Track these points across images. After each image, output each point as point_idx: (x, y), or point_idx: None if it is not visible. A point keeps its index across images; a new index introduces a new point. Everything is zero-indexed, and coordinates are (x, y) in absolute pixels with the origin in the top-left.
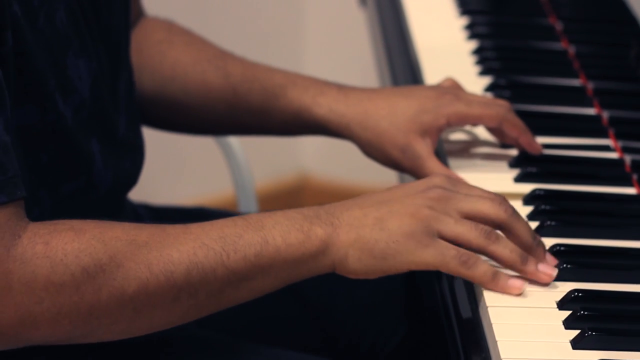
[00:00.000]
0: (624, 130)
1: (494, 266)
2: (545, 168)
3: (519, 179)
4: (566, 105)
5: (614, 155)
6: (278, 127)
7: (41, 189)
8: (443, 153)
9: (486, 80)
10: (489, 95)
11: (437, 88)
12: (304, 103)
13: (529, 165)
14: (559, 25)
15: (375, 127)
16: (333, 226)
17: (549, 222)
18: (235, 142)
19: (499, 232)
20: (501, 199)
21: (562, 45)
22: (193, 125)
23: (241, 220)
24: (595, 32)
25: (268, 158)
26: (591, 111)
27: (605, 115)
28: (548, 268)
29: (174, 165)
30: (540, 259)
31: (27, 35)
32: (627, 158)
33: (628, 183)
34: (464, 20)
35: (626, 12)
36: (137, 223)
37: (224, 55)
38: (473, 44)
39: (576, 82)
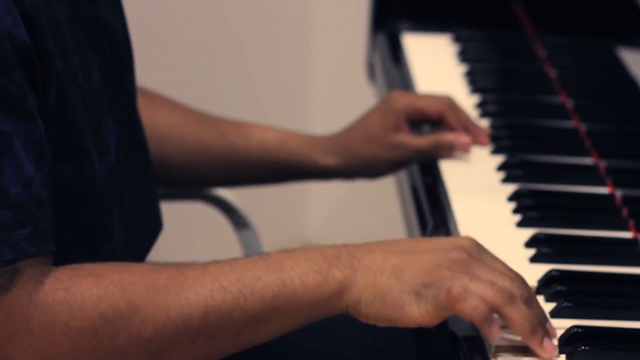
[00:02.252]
0: (637, 209)
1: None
2: (559, 248)
3: (534, 260)
4: (578, 184)
5: (628, 234)
6: (276, 178)
7: (76, 249)
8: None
9: (498, 159)
10: (501, 173)
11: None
12: (303, 153)
13: (543, 246)
14: (569, 103)
15: (365, 151)
16: (352, 268)
17: (565, 304)
18: (243, 212)
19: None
20: (521, 280)
21: (572, 123)
22: (188, 181)
23: (261, 261)
24: (605, 110)
25: (274, 228)
26: (604, 190)
27: (618, 194)
28: (551, 346)
29: (182, 234)
30: (546, 334)
31: (68, 92)
32: None
33: None
34: (474, 99)
35: (636, 89)
36: (156, 265)
37: (210, 117)
38: (485, 123)
39: (588, 161)
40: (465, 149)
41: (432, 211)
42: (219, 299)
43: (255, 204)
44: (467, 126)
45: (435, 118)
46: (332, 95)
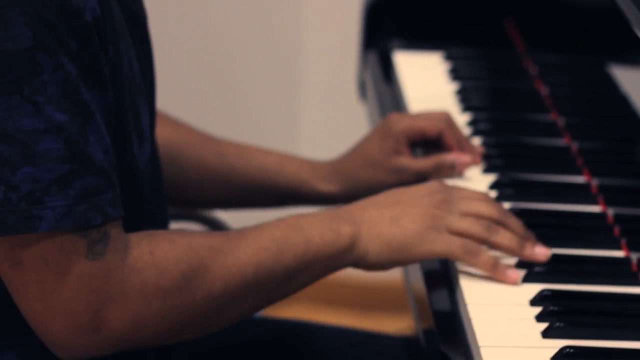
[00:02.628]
0: (629, 228)
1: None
2: (551, 267)
3: (526, 279)
4: (570, 203)
5: (620, 253)
6: (275, 203)
7: None
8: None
9: (490, 178)
10: (492, 192)
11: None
12: (302, 178)
13: (535, 265)
14: (560, 121)
15: (365, 177)
16: (356, 224)
17: (558, 324)
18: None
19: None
20: (491, 198)
21: (564, 141)
22: (187, 201)
23: (283, 223)
24: (597, 128)
25: None
26: (596, 208)
27: (610, 212)
28: (543, 249)
29: None
30: (533, 245)
31: (117, 75)
32: (634, 256)
33: (635, 281)
34: (466, 117)
35: (628, 107)
36: (202, 232)
37: (212, 139)
38: (476, 141)
39: (580, 179)
40: (467, 167)
41: None
42: (263, 257)
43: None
44: (462, 144)
45: (434, 137)
46: (324, 114)
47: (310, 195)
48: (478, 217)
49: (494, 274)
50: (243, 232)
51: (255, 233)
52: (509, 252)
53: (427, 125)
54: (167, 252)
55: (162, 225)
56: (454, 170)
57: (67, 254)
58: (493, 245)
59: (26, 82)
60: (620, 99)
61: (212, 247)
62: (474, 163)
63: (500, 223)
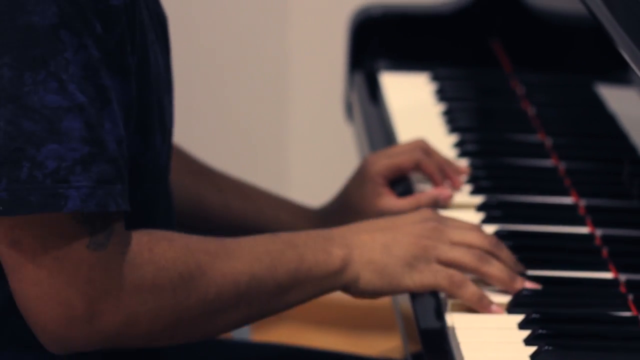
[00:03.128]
0: (618, 249)
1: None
2: (540, 289)
3: (514, 302)
4: (558, 224)
5: (608, 275)
6: None
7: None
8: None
9: (477, 200)
10: (480, 214)
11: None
12: (296, 227)
13: (524, 289)
14: (548, 141)
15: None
16: (348, 248)
17: (546, 347)
18: None
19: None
20: (481, 230)
21: (552, 162)
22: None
23: (277, 238)
24: (585, 148)
25: None
26: (584, 230)
27: (598, 233)
28: (533, 284)
29: None
30: (522, 280)
31: (144, 66)
32: (623, 278)
33: (624, 304)
34: (453, 138)
35: (616, 127)
36: (199, 236)
37: (212, 171)
38: (463, 163)
39: (567, 200)
40: (449, 199)
41: None
42: (257, 268)
43: None
44: (442, 168)
45: (412, 169)
46: (310, 135)
47: None
48: (470, 247)
49: (478, 308)
50: (239, 241)
51: (250, 244)
52: (499, 283)
53: (403, 159)
54: (166, 251)
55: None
56: (438, 205)
57: (67, 239)
58: (484, 275)
59: (51, 57)
60: (608, 119)
61: (209, 252)
62: (459, 184)
63: (491, 254)
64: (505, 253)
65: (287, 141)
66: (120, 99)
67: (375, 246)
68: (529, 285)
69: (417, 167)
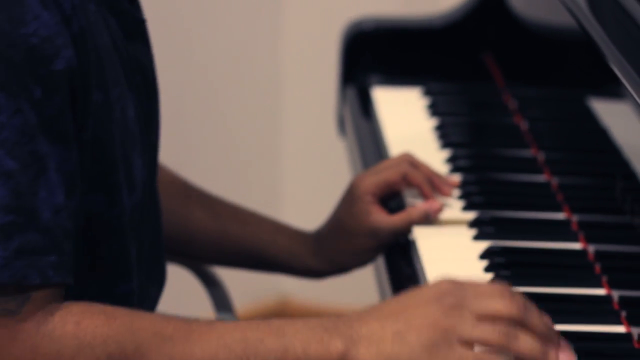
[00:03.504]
0: (610, 265)
1: None
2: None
3: None
4: (551, 240)
5: (601, 291)
6: (264, 269)
7: (94, 284)
8: None
9: (470, 216)
10: (473, 230)
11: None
12: (293, 252)
13: None
14: (540, 156)
15: (346, 246)
16: (352, 340)
17: None
18: (211, 270)
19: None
20: (509, 291)
21: (544, 177)
22: (177, 252)
23: (263, 324)
24: (577, 163)
25: (248, 283)
26: (577, 246)
27: (591, 249)
28: (567, 356)
29: None
30: (557, 346)
31: (106, 124)
32: (615, 294)
33: (617, 320)
34: (445, 153)
35: (608, 141)
36: (164, 315)
37: (209, 197)
38: (456, 178)
39: (560, 216)
40: (439, 212)
41: (403, 269)
42: (222, 357)
43: None
44: (431, 179)
45: (400, 183)
46: (303, 149)
47: (300, 269)
48: (495, 318)
49: None
50: (212, 324)
51: (224, 328)
52: (531, 358)
53: (389, 174)
54: (98, 327)
55: (157, 275)
56: (429, 220)
57: None
58: (513, 352)
59: None
60: (601, 133)
61: (160, 333)
62: (444, 195)
63: (520, 322)
64: (536, 318)
65: (280, 155)
66: (61, 166)
67: (386, 335)
68: (563, 357)
69: (405, 180)
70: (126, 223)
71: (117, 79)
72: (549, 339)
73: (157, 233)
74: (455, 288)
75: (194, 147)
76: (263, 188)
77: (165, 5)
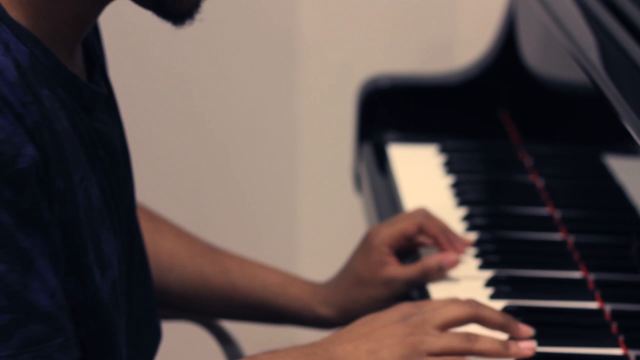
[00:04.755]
0: (627, 324)
1: None
2: None
3: None
4: (567, 300)
5: (618, 351)
6: (274, 321)
7: None
8: None
9: (486, 274)
10: (489, 289)
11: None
12: (303, 302)
13: None
14: (557, 214)
15: (358, 296)
16: None
17: None
18: (228, 328)
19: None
20: (459, 299)
21: (560, 235)
22: (186, 308)
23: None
24: (593, 221)
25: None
26: (593, 305)
27: (608, 308)
28: (528, 343)
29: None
30: (517, 331)
31: (70, 209)
32: (632, 354)
33: None
34: (461, 212)
35: (624, 199)
36: None
37: (216, 250)
38: (471, 237)
39: (577, 275)
40: (454, 266)
41: None
42: None
43: None
44: (446, 233)
45: (416, 233)
46: (320, 206)
47: (310, 319)
48: (455, 323)
49: None
50: None
51: None
52: (495, 355)
53: (405, 225)
54: None
55: (149, 339)
56: (443, 272)
57: None
58: (477, 354)
59: None
60: (617, 191)
61: None
62: (462, 249)
63: (477, 318)
64: (490, 310)
65: (296, 212)
66: (45, 252)
67: (361, 354)
68: (524, 344)
69: (420, 230)
70: (104, 302)
71: (78, 161)
72: (507, 327)
73: (148, 298)
74: (415, 307)
75: (209, 202)
76: (279, 245)
77: (180, 61)
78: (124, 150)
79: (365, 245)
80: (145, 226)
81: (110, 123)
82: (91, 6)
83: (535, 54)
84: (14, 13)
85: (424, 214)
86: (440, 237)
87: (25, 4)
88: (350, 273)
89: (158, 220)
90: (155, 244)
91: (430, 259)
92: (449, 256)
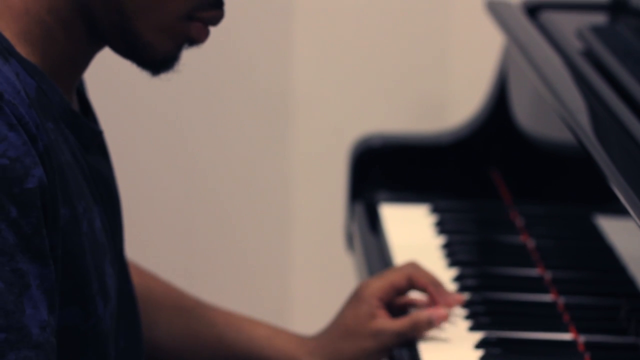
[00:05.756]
0: None
1: None
2: None
3: None
4: None
5: None
6: None
7: None
8: None
9: (477, 336)
10: (479, 351)
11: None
12: (290, 354)
13: None
14: (547, 275)
15: (347, 347)
16: None
17: None
18: None
19: None
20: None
21: (551, 297)
22: None
23: None
24: (584, 283)
25: None
26: None
27: None
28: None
29: None
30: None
31: (75, 238)
32: None
33: None
34: (452, 272)
35: (614, 259)
36: None
37: (203, 305)
38: (462, 297)
39: (567, 337)
40: (444, 320)
41: None
42: None
43: None
44: (435, 284)
45: (405, 285)
46: (312, 264)
47: None
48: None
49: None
50: None
51: None
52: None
53: (394, 277)
54: None
55: None
56: (433, 326)
57: None
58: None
59: None
60: (607, 251)
61: None
62: (453, 303)
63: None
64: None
65: (289, 270)
66: (42, 284)
67: None
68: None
69: (410, 284)
70: (104, 333)
71: (81, 193)
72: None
73: (137, 340)
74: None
75: (202, 258)
76: (272, 302)
77: (175, 120)
78: (117, 194)
79: (355, 298)
80: (135, 280)
81: (104, 164)
82: (82, 48)
83: (527, 114)
84: (18, 48)
85: (413, 266)
86: (430, 287)
87: (24, 41)
88: (339, 325)
89: (146, 276)
90: (144, 300)
91: (420, 312)
92: (439, 310)
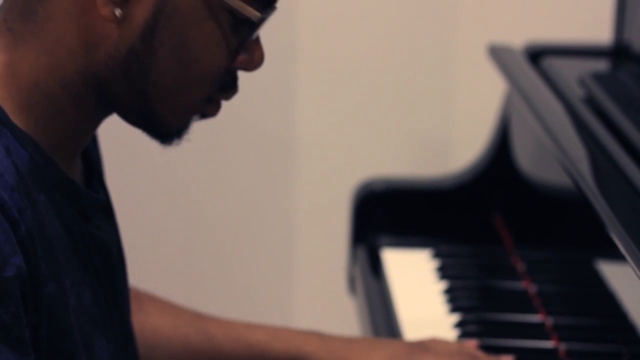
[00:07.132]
0: None
1: None
2: None
3: None
4: None
5: None
6: None
7: None
8: None
9: None
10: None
11: (411, 342)
12: (290, 355)
13: None
14: (548, 321)
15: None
16: None
17: None
18: None
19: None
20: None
21: (552, 343)
22: None
23: None
24: (585, 329)
25: None
26: None
27: None
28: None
29: None
30: None
31: (61, 315)
32: None
33: None
34: (454, 318)
35: (616, 305)
36: None
37: (201, 317)
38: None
39: None
40: None
41: None
42: None
43: None
44: None
45: None
46: (314, 308)
47: None
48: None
49: None
50: None
51: None
52: None
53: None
54: None
55: None
56: None
57: None
58: None
59: None
60: (608, 297)
61: None
62: None
63: None
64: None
65: (291, 314)
66: None
67: None
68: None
69: None
70: None
71: (71, 267)
72: None
73: None
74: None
75: (205, 302)
76: None
77: (177, 157)
78: (120, 256)
79: (421, 342)
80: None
81: (107, 229)
82: (90, 121)
83: (529, 160)
84: (17, 119)
85: (472, 357)
86: None
87: (27, 112)
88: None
89: (142, 298)
90: (141, 323)
91: None
92: None
